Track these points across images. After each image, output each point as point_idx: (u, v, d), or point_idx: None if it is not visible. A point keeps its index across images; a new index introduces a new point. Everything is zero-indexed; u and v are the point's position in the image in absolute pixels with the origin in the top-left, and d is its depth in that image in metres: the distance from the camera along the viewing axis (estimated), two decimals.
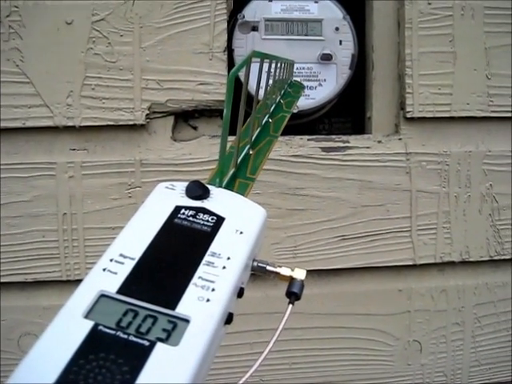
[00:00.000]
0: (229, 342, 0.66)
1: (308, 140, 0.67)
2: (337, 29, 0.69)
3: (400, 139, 0.69)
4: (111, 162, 0.65)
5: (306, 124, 0.74)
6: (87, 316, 0.23)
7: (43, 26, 0.63)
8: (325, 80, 0.70)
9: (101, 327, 0.23)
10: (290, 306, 0.31)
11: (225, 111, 0.30)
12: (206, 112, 0.66)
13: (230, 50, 0.68)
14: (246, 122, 0.39)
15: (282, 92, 0.52)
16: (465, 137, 0.70)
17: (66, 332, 0.23)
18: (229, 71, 0.66)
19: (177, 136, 0.67)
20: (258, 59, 0.37)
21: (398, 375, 0.72)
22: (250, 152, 0.39)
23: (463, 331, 0.72)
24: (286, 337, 0.67)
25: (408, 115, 0.68)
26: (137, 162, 0.65)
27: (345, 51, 0.70)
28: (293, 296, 0.31)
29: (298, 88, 0.56)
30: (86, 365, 0.21)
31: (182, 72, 0.65)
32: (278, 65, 0.46)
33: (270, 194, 0.66)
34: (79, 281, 0.68)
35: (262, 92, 0.40)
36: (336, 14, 0.70)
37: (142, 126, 0.65)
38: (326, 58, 0.69)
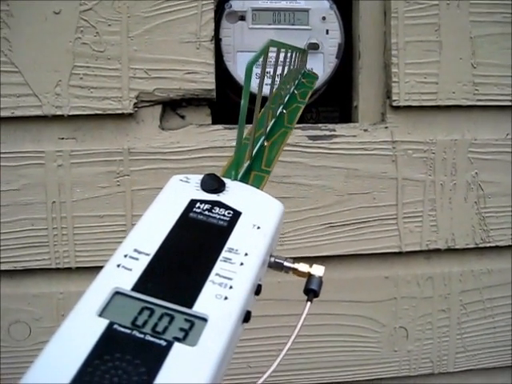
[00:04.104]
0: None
1: (295, 128, 0.68)
2: (323, 18, 0.70)
3: (386, 128, 0.69)
4: (100, 151, 0.65)
5: None
6: (102, 314, 0.22)
7: (31, 15, 0.63)
8: (312, 69, 0.71)
9: (116, 326, 0.22)
10: (309, 303, 0.30)
11: (242, 101, 0.29)
12: (194, 101, 0.67)
13: (217, 39, 0.68)
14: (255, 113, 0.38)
15: (296, 82, 0.51)
16: (450, 125, 0.71)
17: (80, 331, 0.22)
18: (216, 60, 0.67)
19: (164, 125, 0.67)
20: (275, 49, 0.36)
21: (385, 361, 0.72)
22: (265, 144, 0.38)
23: (449, 318, 0.73)
24: (274, 323, 0.68)
25: (394, 104, 0.69)
26: (125, 151, 0.65)
27: (331, 40, 0.70)
28: (311, 293, 0.30)
29: (311, 78, 0.55)
30: (101, 365, 0.20)
31: (170, 61, 0.65)
32: (293, 54, 0.45)
33: None
34: (68, 269, 0.68)
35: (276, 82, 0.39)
36: (323, 3, 0.70)
37: (130, 114, 0.65)
38: (313, 47, 0.70)
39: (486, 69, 0.70)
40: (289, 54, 0.43)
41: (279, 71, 0.39)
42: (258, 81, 0.33)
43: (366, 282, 0.71)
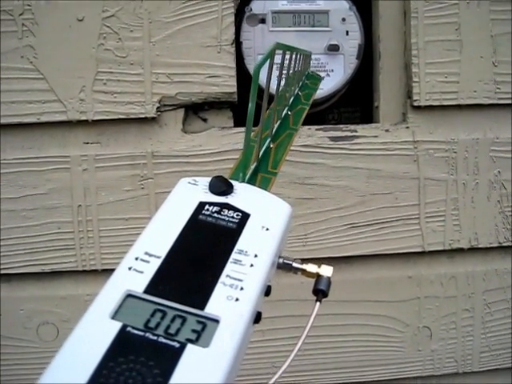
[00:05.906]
0: None
1: (316, 130, 0.68)
2: (343, 19, 0.70)
3: (407, 128, 0.69)
4: (124, 155, 0.66)
5: (315, 114, 0.75)
6: (114, 317, 0.23)
7: (55, 23, 0.64)
8: (332, 70, 0.71)
9: (129, 328, 0.22)
10: (318, 303, 0.30)
11: (250, 104, 0.29)
12: (216, 104, 0.68)
13: (238, 42, 0.69)
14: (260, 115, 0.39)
15: (300, 84, 0.51)
16: (472, 124, 0.70)
17: (93, 333, 0.22)
18: (237, 64, 0.67)
19: (187, 128, 0.68)
20: (281, 51, 0.36)
21: (409, 361, 0.73)
22: (271, 146, 0.38)
23: (473, 317, 0.73)
24: (298, 323, 0.68)
25: (415, 104, 0.69)
26: (148, 154, 0.66)
27: (352, 41, 0.71)
28: (320, 293, 0.30)
29: (315, 79, 0.55)
30: (115, 367, 0.21)
31: (191, 65, 0.66)
32: (297, 56, 0.46)
33: (280, 184, 0.67)
34: (94, 271, 0.69)
35: (281, 84, 0.39)
36: (342, 4, 0.70)
37: (153, 118, 0.66)
38: (334, 48, 0.70)
39: (508, 67, 0.70)
40: (293, 56, 0.43)
41: (285, 73, 0.39)
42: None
43: (389, 281, 0.71)
